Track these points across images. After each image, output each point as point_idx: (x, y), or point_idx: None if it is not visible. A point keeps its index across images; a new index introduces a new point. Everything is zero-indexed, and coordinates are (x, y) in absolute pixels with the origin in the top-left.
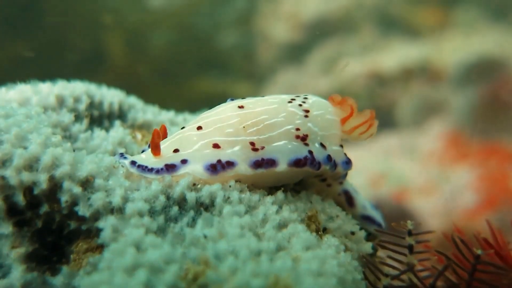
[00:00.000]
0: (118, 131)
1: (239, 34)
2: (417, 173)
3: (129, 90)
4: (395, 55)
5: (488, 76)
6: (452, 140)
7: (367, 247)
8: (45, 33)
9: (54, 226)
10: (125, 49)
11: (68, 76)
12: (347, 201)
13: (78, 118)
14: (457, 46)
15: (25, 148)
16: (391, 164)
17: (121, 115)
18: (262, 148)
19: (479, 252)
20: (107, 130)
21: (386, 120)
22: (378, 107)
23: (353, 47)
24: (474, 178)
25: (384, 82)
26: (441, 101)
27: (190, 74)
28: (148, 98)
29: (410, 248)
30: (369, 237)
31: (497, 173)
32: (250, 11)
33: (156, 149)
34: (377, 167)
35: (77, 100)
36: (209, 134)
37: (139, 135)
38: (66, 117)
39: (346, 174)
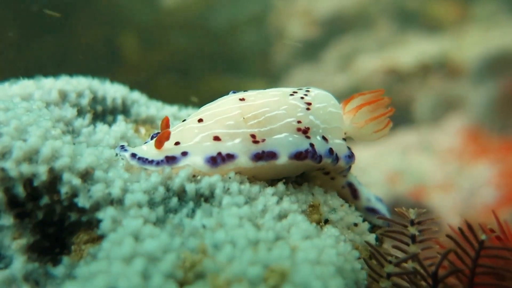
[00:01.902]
0: (120, 125)
1: (254, 32)
2: (435, 169)
3: (143, 89)
4: (413, 51)
5: (508, 70)
6: (471, 136)
7: (371, 238)
8: (61, 33)
9: (55, 218)
10: (140, 48)
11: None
12: (352, 193)
13: (81, 113)
14: (476, 40)
15: (25, 140)
16: (408, 161)
17: (124, 110)
18: (263, 140)
19: (483, 237)
20: (110, 125)
21: (403, 117)
22: (396, 104)
23: (370, 43)
24: (494, 174)
25: (401, 78)
26: (459, 96)
27: (205, 73)
28: (162, 96)
29: (413, 238)
30: (374, 229)
31: None
32: (265, 9)
33: (160, 144)
34: (395, 164)
35: (80, 95)
36: (209, 127)
37: (142, 130)
38: (69, 112)
39: (350, 167)
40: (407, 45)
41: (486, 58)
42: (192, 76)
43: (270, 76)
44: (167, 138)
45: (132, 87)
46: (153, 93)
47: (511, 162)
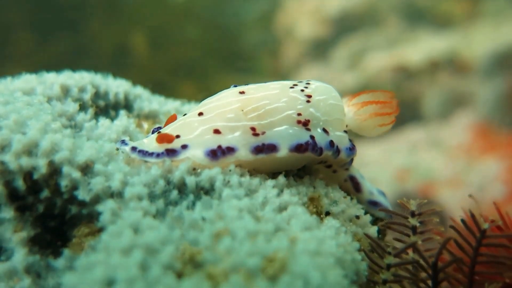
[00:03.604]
0: (122, 120)
1: (263, 31)
2: (444, 166)
3: (151, 87)
4: (422, 48)
5: None
6: (480, 132)
7: (373, 231)
8: (71, 33)
9: (56, 211)
10: (149, 46)
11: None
12: (354, 187)
13: (83, 108)
14: (485, 37)
15: (24, 133)
16: (417, 157)
17: (127, 105)
18: (263, 133)
19: (485, 226)
20: (112, 120)
21: (412, 113)
22: (404, 100)
23: (379, 40)
24: (502, 169)
25: (410, 75)
26: (468, 92)
27: (214, 72)
28: (171, 94)
29: (414, 229)
30: (376, 222)
31: None
32: (274, 8)
33: (162, 141)
34: (403, 161)
35: (82, 90)
36: (210, 120)
37: (145, 125)
38: (71, 106)
39: (352, 160)
40: (416, 42)
41: (494, 54)
42: (201, 75)
43: (279, 74)
44: (170, 142)
45: (142, 86)
46: (162, 92)
47: None
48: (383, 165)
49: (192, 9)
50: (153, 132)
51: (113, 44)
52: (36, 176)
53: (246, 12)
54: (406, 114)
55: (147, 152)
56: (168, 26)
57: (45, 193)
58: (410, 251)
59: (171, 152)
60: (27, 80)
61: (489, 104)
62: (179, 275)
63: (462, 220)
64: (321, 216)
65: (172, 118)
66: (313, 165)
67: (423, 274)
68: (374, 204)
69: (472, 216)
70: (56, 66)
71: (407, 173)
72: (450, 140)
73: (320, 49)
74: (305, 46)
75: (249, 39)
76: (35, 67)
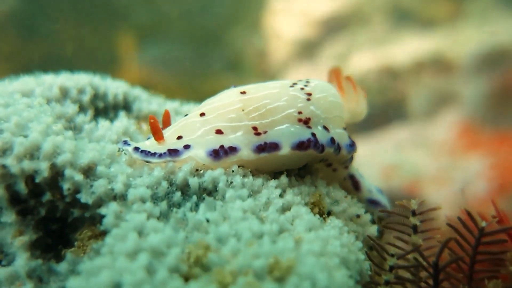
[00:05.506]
0: (122, 121)
1: (251, 32)
2: (429, 164)
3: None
4: (407, 48)
5: (500, 65)
6: (464, 130)
7: (373, 229)
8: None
9: (58, 214)
10: (137, 50)
11: None
12: (353, 185)
13: (82, 109)
14: (469, 37)
15: (26, 136)
16: (403, 156)
17: (126, 106)
18: (265, 132)
19: (483, 224)
20: (112, 121)
21: (397, 113)
22: (390, 101)
23: (365, 41)
24: (486, 166)
25: (396, 75)
26: (453, 92)
27: (203, 74)
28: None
29: (414, 228)
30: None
31: (508, 161)
32: (262, 9)
33: (157, 134)
34: (389, 159)
35: (81, 91)
36: (211, 120)
37: (144, 126)
38: (70, 108)
39: (352, 158)
40: (401, 43)
41: (479, 54)
42: (190, 77)
43: (267, 75)
44: (156, 121)
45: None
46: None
47: (502, 154)
48: (369, 164)
49: (179, 12)
50: None
51: (100, 47)
52: (38, 179)
53: (234, 13)
54: (392, 114)
55: (149, 152)
56: (156, 30)
57: (47, 197)
58: (408, 247)
59: (173, 152)
60: (25, 81)
61: (473, 103)
62: (186, 278)
63: (459, 218)
64: (324, 216)
65: (166, 116)
66: (313, 164)
67: (424, 274)
68: (373, 202)
69: (469, 215)
70: (40, 67)
71: (393, 171)
72: (435, 138)
73: (307, 50)
74: (293, 47)
75: (237, 40)
76: (15, 71)
